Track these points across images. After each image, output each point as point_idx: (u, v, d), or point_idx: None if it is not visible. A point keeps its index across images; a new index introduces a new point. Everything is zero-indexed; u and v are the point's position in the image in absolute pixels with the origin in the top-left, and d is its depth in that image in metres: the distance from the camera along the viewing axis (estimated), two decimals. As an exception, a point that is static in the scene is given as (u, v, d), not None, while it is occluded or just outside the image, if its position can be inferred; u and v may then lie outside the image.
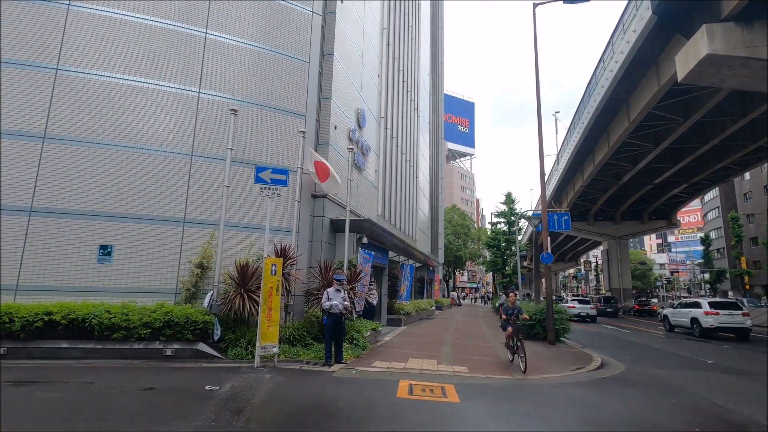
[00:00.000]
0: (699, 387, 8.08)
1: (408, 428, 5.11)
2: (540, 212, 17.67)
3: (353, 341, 10.16)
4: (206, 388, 6.26)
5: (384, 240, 16.37)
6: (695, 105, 20.62)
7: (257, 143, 11.35)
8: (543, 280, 22.24)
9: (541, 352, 11.31)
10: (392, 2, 22.12)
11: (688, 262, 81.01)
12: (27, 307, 8.19)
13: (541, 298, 19.99)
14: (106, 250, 9.64)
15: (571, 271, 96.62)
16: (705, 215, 67.93)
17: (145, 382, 6.58)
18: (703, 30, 12.65)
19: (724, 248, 57.54)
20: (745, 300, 32.85)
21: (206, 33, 11.18)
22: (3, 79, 9.68)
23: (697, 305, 18.93)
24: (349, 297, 9.95)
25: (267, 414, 5.47)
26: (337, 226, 12.75)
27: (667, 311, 22.07)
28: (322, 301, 8.79)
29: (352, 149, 12.97)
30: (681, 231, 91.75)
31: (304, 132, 11.33)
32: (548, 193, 31.77)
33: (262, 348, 8.08)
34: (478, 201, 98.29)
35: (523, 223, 44.24)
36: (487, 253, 49.75)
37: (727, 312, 17.54)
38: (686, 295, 70.32)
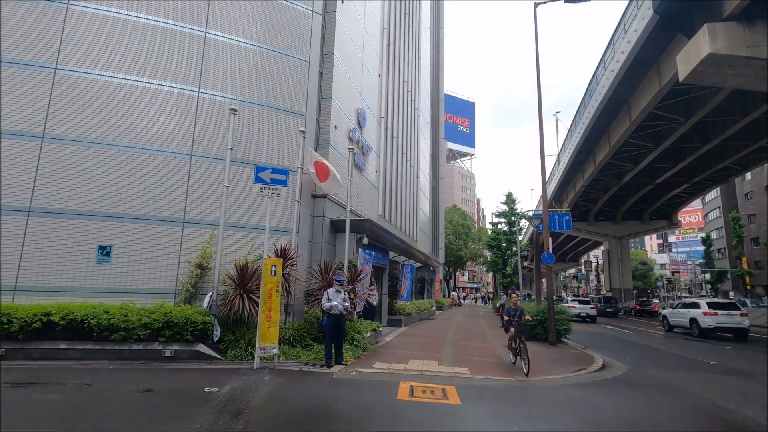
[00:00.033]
0: (701, 388, 8.03)
1: (409, 430, 5.06)
2: (541, 212, 17.62)
3: (354, 342, 10.11)
4: (205, 389, 6.21)
5: (384, 240, 16.32)
6: (696, 105, 20.57)
7: (257, 143, 11.30)
8: (544, 280, 22.19)
9: (543, 353, 11.25)
10: (393, 2, 22.06)
11: (689, 263, 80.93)
12: (25, 308, 8.15)
13: (542, 299, 19.97)
14: (105, 251, 9.60)
15: (572, 271, 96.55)
16: (706, 215, 67.85)
17: (144, 383, 6.53)
18: (705, 29, 12.60)
19: (725, 248, 57.47)
20: (748, 300, 32.81)
21: (206, 32, 11.13)
22: (2, 79, 9.64)
23: (695, 306, 19.12)
24: (349, 297, 9.90)
25: (266, 416, 5.43)
26: (337, 227, 12.70)
27: (666, 311, 22.24)
28: (322, 302, 8.75)
29: (352, 149, 12.92)
30: (682, 231, 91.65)
31: (304, 132, 11.28)
32: (549, 193, 31.70)
33: (261, 349, 8.03)
34: (478, 201, 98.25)
35: (524, 223, 44.14)
36: (488, 254, 49.71)
37: (725, 312, 17.72)
38: (687, 295, 70.24)
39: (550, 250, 14.74)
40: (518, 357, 9.04)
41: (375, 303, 13.89)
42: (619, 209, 41.35)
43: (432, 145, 37.31)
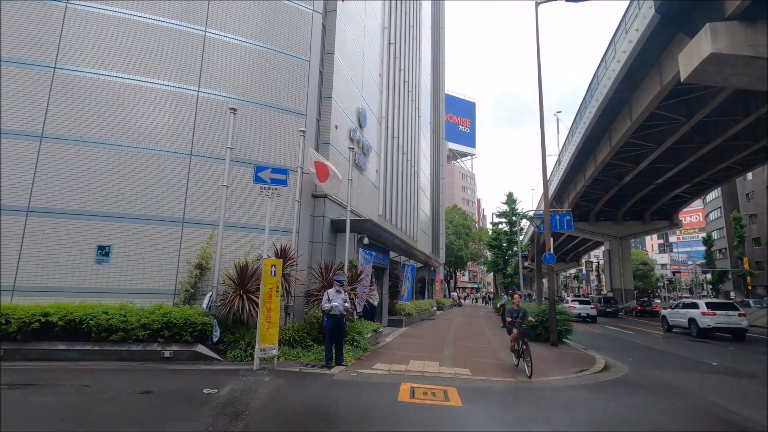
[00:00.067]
0: (704, 390, 7.97)
1: (410, 433, 5.01)
2: (542, 212, 17.56)
3: (354, 343, 10.05)
4: (204, 391, 6.16)
5: (385, 240, 16.27)
6: (698, 104, 20.51)
7: (257, 143, 11.25)
8: (544, 280, 22.10)
9: (544, 354, 11.19)
10: (393, 2, 22.01)
11: (689, 263, 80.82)
12: (24, 308, 8.09)
13: (543, 299, 19.91)
14: (104, 251, 9.54)
15: (572, 271, 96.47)
16: (707, 215, 67.79)
17: (143, 384, 6.47)
18: (707, 29, 12.54)
19: (726, 248, 57.39)
20: (751, 301, 32.75)
21: (205, 31, 11.08)
22: (2, 79, 9.59)
23: (694, 306, 19.40)
24: (349, 298, 9.85)
25: (266, 418, 5.37)
26: (337, 227, 12.65)
27: (665, 312, 22.46)
28: (323, 303, 8.70)
29: (353, 149, 12.87)
30: (683, 231, 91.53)
31: (304, 131, 11.22)
32: (550, 193, 31.61)
33: (261, 350, 7.98)
34: (479, 201, 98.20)
35: (525, 223, 44.06)
36: (489, 254, 49.67)
37: (723, 313, 17.95)
38: (688, 295, 70.11)
39: (552, 250, 14.68)
40: (521, 359, 8.87)
41: (375, 303, 13.85)
42: (620, 209, 41.28)
43: (432, 145, 37.26)
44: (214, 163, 10.56)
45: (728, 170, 30.97)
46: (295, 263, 10.29)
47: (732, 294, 51.61)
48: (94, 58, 10.16)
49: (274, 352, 8.14)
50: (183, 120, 10.58)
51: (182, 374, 7.40)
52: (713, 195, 61.06)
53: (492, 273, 51.90)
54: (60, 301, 8.69)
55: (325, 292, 8.81)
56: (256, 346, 7.97)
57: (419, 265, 26.56)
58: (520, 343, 8.78)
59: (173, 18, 10.84)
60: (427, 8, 33.93)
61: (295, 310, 10.66)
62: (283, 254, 9.88)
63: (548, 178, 15.59)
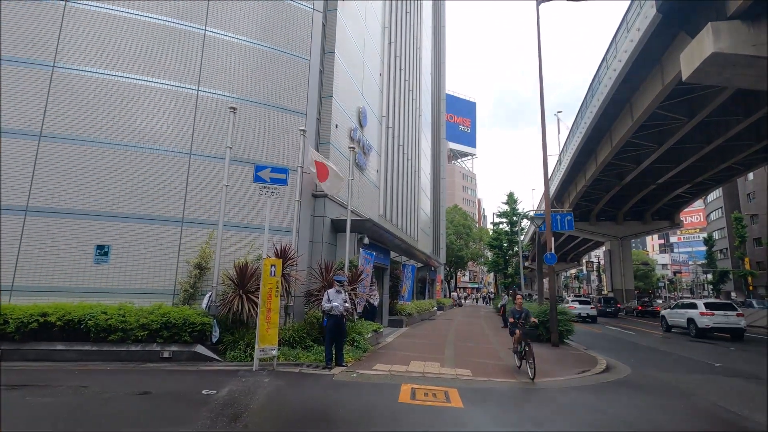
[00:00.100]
0: (707, 391, 7.91)
1: (410, 435, 4.95)
2: (542, 212, 17.51)
3: (354, 343, 10.00)
4: (203, 392, 6.11)
5: (385, 240, 16.22)
6: (700, 104, 20.44)
7: (257, 142, 11.20)
8: (545, 280, 22.03)
9: (545, 355, 11.12)
10: (394, 1, 21.96)
11: (690, 263, 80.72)
12: (22, 308, 8.04)
13: (544, 299, 19.86)
14: (103, 251, 9.50)
15: (573, 271, 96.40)
16: (708, 215, 67.70)
17: (141, 385, 6.42)
18: (709, 28, 12.47)
19: (727, 249, 57.32)
20: (754, 301, 32.71)
21: (205, 30, 11.03)
22: (1, 78, 9.54)
23: (693, 306, 19.60)
24: (350, 298, 9.79)
25: (265, 419, 5.31)
26: (338, 226, 12.59)
27: (664, 312, 22.65)
28: (323, 303, 8.64)
29: (353, 148, 12.81)
30: (683, 231, 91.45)
31: (304, 131, 11.16)
32: (551, 193, 31.57)
33: (261, 350, 7.92)
34: (479, 201, 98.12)
35: (525, 223, 44.01)
36: (489, 254, 49.60)
37: (722, 313, 18.14)
38: (689, 296, 70.07)
39: (553, 250, 14.63)
40: (523, 360, 8.71)
41: (376, 303, 13.79)
42: (620, 209, 41.19)
43: (433, 145, 37.21)
44: (214, 162, 10.52)
45: (729, 170, 30.88)
46: (295, 263, 10.24)
47: (733, 294, 51.53)
48: (93, 56, 10.11)
49: (274, 352, 8.09)
50: (182, 119, 10.54)
51: (181, 375, 7.35)
52: (714, 195, 60.98)
53: (492, 273, 51.84)
54: (58, 301, 8.65)
55: (325, 293, 8.76)
56: (256, 346, 7.92)
57: (420, 265, 26.50)
58: (523, 345, 8.63)
59: (172, 16, 10.79)
60: (427, 8, 33.87)
61: (295, 311, 10.60)
62: (282, 254, 9.83)
63: (549, 177, 15.52)
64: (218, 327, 8.91)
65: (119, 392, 6.04)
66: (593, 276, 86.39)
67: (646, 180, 32.21)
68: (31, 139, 9.47)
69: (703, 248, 60.06)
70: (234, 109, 9.82)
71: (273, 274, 8.18)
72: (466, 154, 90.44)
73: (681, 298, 55.15)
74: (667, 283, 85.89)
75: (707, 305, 18.87)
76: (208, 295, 9.26)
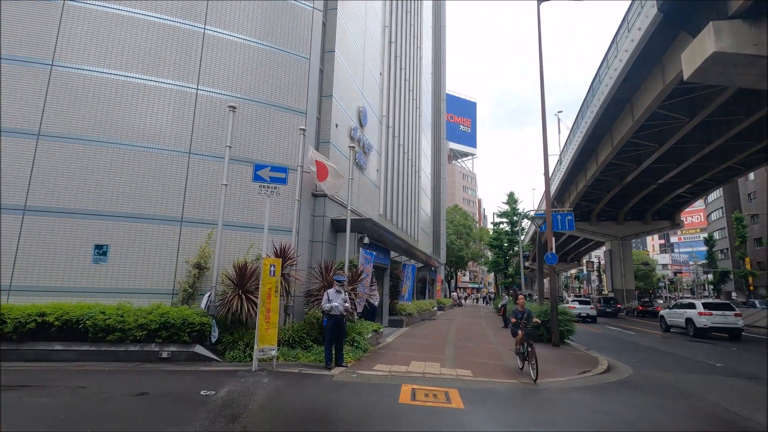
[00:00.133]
0: (710, 392, 7.86)
1: (410, 436, 4.90)
2: (543, 212, 17.47)
3: (354, 343, 9.95)
4: (201, 393, 6.06)
5: (386, 240, 16.17)
6: (701, 104, 20.39)
7: (256, 141, 11.15)
8: (545, 280, 21.97)
9: (546, 355, 11.07)
10: (394, 1, 21.91)
11: (691, 263, 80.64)
12: (20, 308, 7.99)
13: (544, 299, 19.81)
14: (101, 250, 9.45)
15: (573, 271, 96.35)
16: (708, 215, 67.63)
17: (139, 386, 6.37)
18: (710, 27, 12.43)
19: (727, 249, 57.25)
20: (757, 302, 32.72)
21: (205, 29, 10.98)
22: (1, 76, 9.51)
23: (691, 306, 19.76)
24: (350, 298, 9.75)
25: (264, 420, 5.27)
26: (338, 226, 12.54)
27: (663, 312, 22.82)
28: (323, 303, 8.60)
29: (353, 147, 12.76)
30: (684, 231, 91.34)
31: (304, 130, 11.12)
32: (551, 192, 31.55)
33: (260, 351, 7.88)
34: (479, 201, 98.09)
35: (526, 223, 43.97)
36: (489, 254, 49.55)
37: (719, 313, 18.33)
38: (689, 296, 70.00)
39: (554, 250, 14.58)
40: (525, 362, 8.56)
41: (376, 303, 13.74)
42: (621, 209, 41.14)
43: (433, 145, 37.16)
44: (213, 161, 10.47)
45: (730, 170, 30.83)
46: (294, 263, 10.19)
47: (734, 294, 51.48)
48: (92, 55, 10.07)
49: (273, 352, 8.04)
50: (182, 118, 10.49)
51: (180, 375, 7.30)
52: (715, 195, 60.91)
53: (493, 273, 51.78)
54: (57, 300, 8.60)
55: (325, 292, 8.71)
56: (255, 346, 7.87)
57: (420, 265, 26.46)
58: (525, 346, 8.48)
59: (171, 15, 10.74)
60: (428, 7, 33.82)
61: (295, 311, 10.55)
62: (282, 254, 9.78)
63: (549, 177, 15.48)
64: (217, 327, 8.86)
65: (117, 393, 5.99)
66: (593, 276, 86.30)
67: (646, 180, 32.16)
68: (29, 138, 9.43)
69: (704, 248, 60.05)
70: (233, 107, 9.78)
71: (272, 273, 8.13)
72: (466, 154, 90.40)
73: (681, 298, 55.13)
74: (667, 283, 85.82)
75: (705, 305, 19.02)
76: (207, 295, 9.21)
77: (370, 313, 13.79)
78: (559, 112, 74.59)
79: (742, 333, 18.51)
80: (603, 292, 66.05)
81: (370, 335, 11.07)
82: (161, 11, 10.67)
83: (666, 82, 18.08)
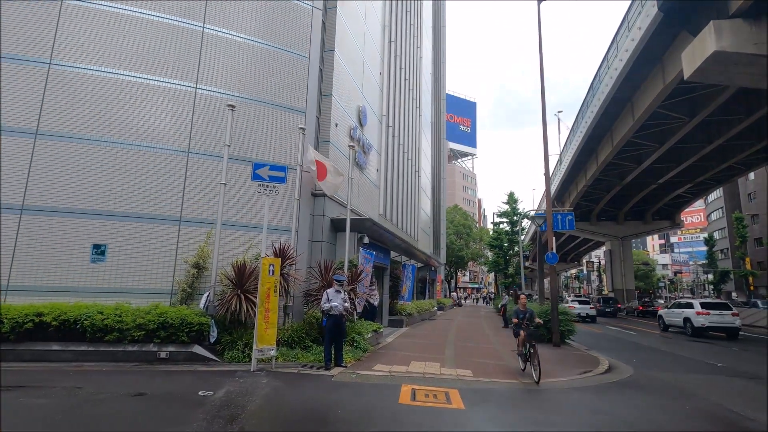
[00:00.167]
0: (712, 392, 7.81)
1: (410, 437, 4.85)
2: (543, 212, 17.42)
3: (354, 343, 9.90)
4: (200, 393, 6.01)
5: (385, 240, 16.12)
6: (701, 103, 20.35)
7: (256, 140, 11.10)
8: (545, 280, 21.90)
9: (547, 355, 11.01)
10: (394, 0, 21.87)
11: (691, 263, 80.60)
12: (17, 308, 7.94)
13: (544, 299, 19.75)
14: (99, 250, 9.39)
15: (573, 271, 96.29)
16: (709, 215, 67.59)
17: (136, 386, 6.32)
18: (711, 27, 12.40)
19: (727, 249, 57.21)
20: (759, 302, 32.73)
21: (204, 27, 10.93)
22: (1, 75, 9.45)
23: (689, 306, 19.96)
24: (349, 298, 9.69)
25: (262, 421, 5.21)
26: (337, 226, 12.49)
27: (662, 311, 22.98)
28: (322, 302, 8.54)
29: (353, 147, 12.71)
30: (684, 231, 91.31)
31: (303, 129, 11.08)
32: (551, 192, 31.52)
33: (259, 351, 7.82)
34: (479, 201, 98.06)
35: (526, 223, 43.95)
36: (489, 254, 49.50)
37: (717, 312, 18.53)
38: (689, 296, 69.96)
39: (554, 250, 14.53)
40: (528, 363, 8.42)
41: (376, 303, 13.69)
42: (621, 209, 41.10)
43: (433, 145, 37.12)
44: (212, 160, 10.42)
45: (730, 170, 30.78)
46: (294, 262, 10.14)
47: (734, 294, 51.44)
48: (90, 53, 10.01)
49: (272, 353, 7.99)
50: (180, 117, 10.44)
51: (178, 376, 7.25)
52: (715, 195, 60.88)
53: (493, 273, 51.74)
54: (54, 300, 8.54)
55: (325, 292, 8.66)
56: (254, 346, 7.81)
57: (420, 265, 26.41)
58: (528, 347, 8.30)
59: (170, 14, 10.69)
60: (428, 7, 33.78)
61: (294, 310, 10.50)
62: (281, 253, 9.74)
63: (550, 176, 15.43)
64: (216, 327, 8.80)
65: (114, 393, 5.94)
66: (593, 276, 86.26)
67: (647, 180, 32.12)
68: (26, 137, 9.37)
69: (704, 248, 60.03)
70: (232, 106, 9.73)
71: (271, 273, 8.08)
72: (466, 154, 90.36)
73: (681, 298, 55.10)
74: (667, 283, 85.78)
75: (703, 305, 19.21)
76: (205, 295, 9.16)
77: (370, 313, 13.74)
78: (559, 112, 74.42)
79: (740, 332, 18.60)
80: (603, 292, 66.01)
81: (369, 335, 11.02)
82: (160, 10, 10.62)
83: (666, 81, 18.04)
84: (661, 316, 22.36)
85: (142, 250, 9.66)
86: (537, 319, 8.84)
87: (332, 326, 8.28)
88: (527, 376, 8.25)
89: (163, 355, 8.12)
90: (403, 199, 22.39)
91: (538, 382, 7.62)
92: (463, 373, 8.40)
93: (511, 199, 39.95)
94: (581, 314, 27.46)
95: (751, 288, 42.33)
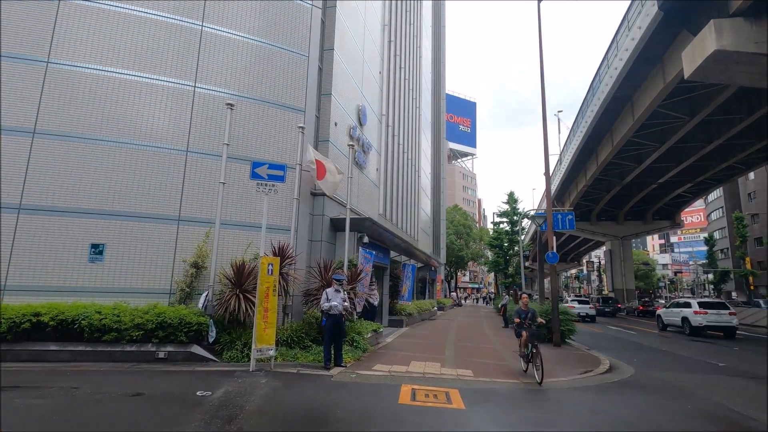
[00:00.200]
0: (713, 391, 7.76)
1: (410, 438, 4.81)
2: (543, 211, 17.38)
3: (353, 343, 9.85)
4: (198, 393, 5.96)
5: (385, 239, 16.08)
6: (701, 102, 20.32)
7: (255, 139, 11.06)
8: (545, 279, 21.86)
9: (547, 355, 10.90)
10: (394, 0, 21.83)
11: (691, 263, 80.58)
12: (14, 308, 7.88)
13: (544, 299, 19.71)
14: (97, 249, 9.35)
15: (573, 271, 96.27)
16: (709, 215, 67.57)
17: (134, 387, 6.27)
18: (711, 26, 12.38)
19: (728, 248, 57.18)
20: (762, 301, 32.71)
21: (202, 26, 10.89)
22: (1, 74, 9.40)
23: (687, 305, 20.08)
24: (349, 297, 9.65)
25: (261, 421, 5.16)
26: (337, 225, 12.45)
27: (660, 311, 23.04)
28: (321, 302, 8.50)
29: (352, 146, 12.67)
30: (684, 231, 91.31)
31: (303, 128, 11.04)
32: (551, 192, 31.50)
33: (258, 351, 7.78)
34: (479, 201, 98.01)
35: (526, 223, 43.91)
36: (489, 254, 49.46)
37: (715, 311, 18.66)
38: (689, 295, 69.94)
39: (554, 249, 14.49)
40: (530, 363, 8.30)
41: (375, 303, 13.64)
42: (621, 209, 41.08)
43: (433, 145, 37.09)
44: (211, 159, 10.38)
45: (730, 169, 30.76)
46: (293, 262, 10.10)
47: (734, 294, 51.41)
48: (88, 52, 9.97)
49: (271, 352, 7.94)
50: (179, 116, 10.39)
51: (176, 376, 7.20)
52: (715, 195, 60.86)
53: (493, 273, 51.70)
54: (52, 300, 8.49)
55: (324, 292, 8.61)
56: (253, 346, 7.77)
57: (420, 264, 26.37)
58: (530, 347, 8.18)
59: (169, 12, 10.65)
60: (427, 7, 33.75)
61: (294, 310, 10.46)
62: (280, 253, 9.69)
63: (550, 176, 15.38)
64: (215, 327, 8.76)
65: (112, 393, 5.89)
66: (593, 276, 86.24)
67: (647, 179, 32.10)
68: (24, 136, 9.33)
69: (704, 248, 60.01)
70: (231, 105, 9.68)
71: (270, 272, 8.04)
72: (466, 154, 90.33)
73: (680, 297, 55.07)
74: (667, 283, 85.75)
75: (701, 304, 19.30)
76: (204, 295, 9.11)
77: (370, 312, 13.70)
78: (559, 111, 74.48)
79: (740, 332, 18.69)
80: (603, 292, 65.99)
81: (369, 335, 10.98)
82: (159, 8, 10.58)
83: (667, 80, 18.01)
84: (659, 316, 22.44)
85: (140, 249, 9.61)
86: (539, 319, 8.75)
87: (332, 326, 8.24)
88: (528, 376, 8.19)
89: (161, 355, 8.08)
90: (403, 199, 22.35)
91: (540, 383, 7.51)
92: (463, 373, 8.36)
93: (511, 199, 39.90)
94: (581, 314, 27.55)
95: (752, 288, 42.28)
